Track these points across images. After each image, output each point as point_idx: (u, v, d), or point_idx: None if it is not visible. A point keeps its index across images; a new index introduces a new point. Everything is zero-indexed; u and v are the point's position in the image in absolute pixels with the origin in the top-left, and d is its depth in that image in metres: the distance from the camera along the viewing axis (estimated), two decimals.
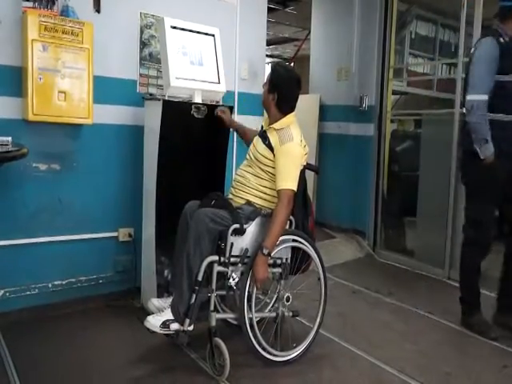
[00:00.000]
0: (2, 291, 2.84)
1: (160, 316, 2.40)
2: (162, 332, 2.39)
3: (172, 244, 2.65)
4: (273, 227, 2.42)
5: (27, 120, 2.74)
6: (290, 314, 2.62)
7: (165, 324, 2.36)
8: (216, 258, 2.38)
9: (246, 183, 2.61)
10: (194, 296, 2.35)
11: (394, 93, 5.05)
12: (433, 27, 5.91)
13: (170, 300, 2.50)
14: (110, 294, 3.20)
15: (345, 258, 4.60)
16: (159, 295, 2.80)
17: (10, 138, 2.41)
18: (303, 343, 2.62)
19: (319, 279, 2.70)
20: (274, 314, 2.60)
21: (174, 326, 2.37)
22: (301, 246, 2.61)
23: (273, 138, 2.55)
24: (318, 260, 2.68)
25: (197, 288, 2.35)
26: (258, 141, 2.65)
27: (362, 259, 4.69)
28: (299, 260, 2.64)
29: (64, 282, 3.04)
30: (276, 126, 2.58)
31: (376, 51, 4.74)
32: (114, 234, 3.23)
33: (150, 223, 2.94)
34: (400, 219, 4.95)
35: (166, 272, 2.89)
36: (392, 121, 5.00)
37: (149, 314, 2.47)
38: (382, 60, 4.72)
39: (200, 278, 2.35)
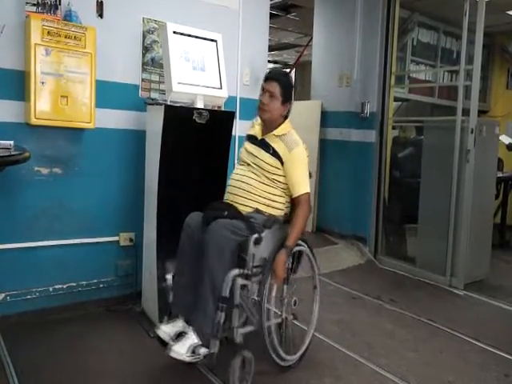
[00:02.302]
0: (3, 294, 2.84)
1: (183, 341, 2.22)
2: (191, 360, 2.21)
3: (173, 249, 2.63)
4: (296, 229, 2.44)
5: (29, 124, 2.74)
6: (291, 317, 2.60)
7: (193, 350, 2.19)
8: (240, 271, 2.30)
9: (250, 190, 2.50)
10: (221, 314, 2.21)
11: (396, 99, 5.06)
12: (435, 34, 5.94)
13: (178, 322, 2.38)
14: (110, 298, 3.19)
15: (346, 265, 4.59)
16: (160, 316, 2.69)
17: (12, 142, 2.41)
18: (302, 346, 2.61)
19: (313, 277, 2.72)
20: (279, 320, 2.56)
21: (202, 351, 2.21)
22: (302, 248, 2.61)
23: (277, 144, 2.51)
24: (314, 261, 2.70)
25: (223, 305, 2.22)
26: (257, 149, 2.55)
27: (362, 265, 4.67)
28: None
29: (65, 286, 3.04)
30: (277, 132, 2.54)
31: (378, 58, 4.75)
32: (115, 238, 3.22)
33: (151, 228, 2.93)
34: (401, 226, 4.94)
35: (170, 296, 2.54)
36: (393, 127, 5.01)
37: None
38: (384, 67, 4.72)
39: (226, 294, 2.23)
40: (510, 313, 3.57)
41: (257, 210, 2.48)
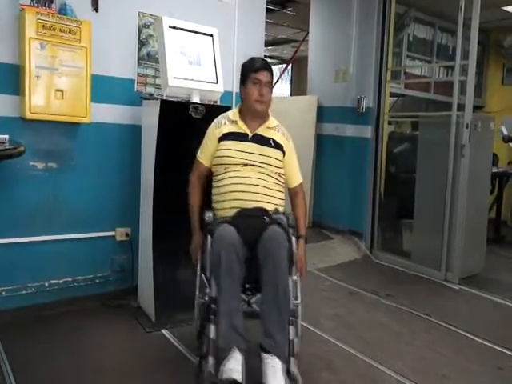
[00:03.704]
0: None
1: (274, 374, 1.99)
2: None
3: (169, 244, 2.61)
4: (304, 217, 2.50)
5: (24, 118, 2.73)
6: None
7: (286, 377, 2.02)
8: (293, 278, 2.21)
9: (264, 192, 2.36)
10: (293, 329, 2.09)
11: (392, 95, 5.06)
12: (430, 30, 5.94)
13: (235, 355, 2.01)
14: (106, 293, 3.19)
15: (342, 259, 4.60)
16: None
17: (7, 136, 2.39)
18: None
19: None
20: None
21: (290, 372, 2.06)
22: None
23: (275, 136, 2.45)
24: None
25: (294, 319, 2.12)
26: (258, 147, 2.39)
27: (358, 260, 4.68)
28: None
29: (61, 281, 3.03)
30: (270, 124, 2.47)
31: (374, 53, 4.74)
32: (111, 233, 3.22)
33: (147, 223, 2.93)
34: (397, 221, 4.96)
35: (212, 332, 2.08)
36: (389, 123, 5.02)
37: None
38: (380, 62, 4.72)
39: (294, 306, 2.14)
40: (505, 307, 3.59)
41: (276, 211, 2.37)
